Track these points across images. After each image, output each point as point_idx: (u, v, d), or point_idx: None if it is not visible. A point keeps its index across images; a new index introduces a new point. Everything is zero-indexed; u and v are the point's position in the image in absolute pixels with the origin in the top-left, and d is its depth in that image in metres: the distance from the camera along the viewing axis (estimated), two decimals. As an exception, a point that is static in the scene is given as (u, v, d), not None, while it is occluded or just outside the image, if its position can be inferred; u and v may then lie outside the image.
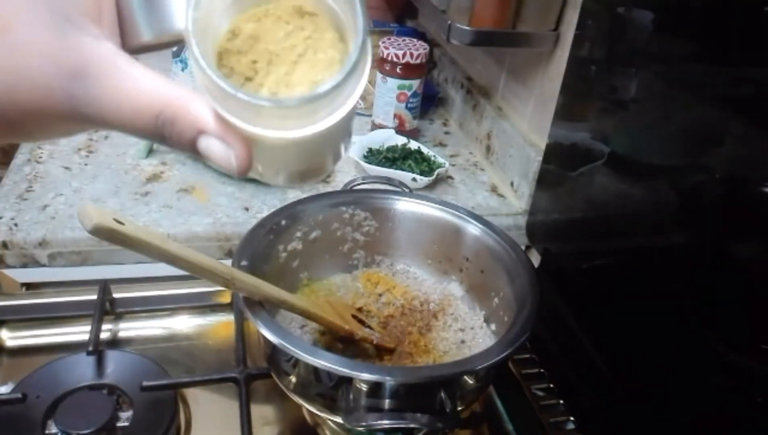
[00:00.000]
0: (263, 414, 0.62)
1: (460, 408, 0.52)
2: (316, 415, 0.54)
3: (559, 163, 0.75)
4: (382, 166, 0.90)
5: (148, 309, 0.72)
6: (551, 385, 0.67)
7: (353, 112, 0.30)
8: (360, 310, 0.63)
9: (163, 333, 0.71)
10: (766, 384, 0.45)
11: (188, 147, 0.28)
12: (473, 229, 0.65)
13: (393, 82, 0.97)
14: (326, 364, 0.46)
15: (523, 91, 0.90)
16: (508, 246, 0.62)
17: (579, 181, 0.70)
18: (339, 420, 0.50)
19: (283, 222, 0.62)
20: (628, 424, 0.58)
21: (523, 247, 0.65)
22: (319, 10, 0.29)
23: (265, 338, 0.49)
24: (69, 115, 0.26)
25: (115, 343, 0.69)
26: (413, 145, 0.95)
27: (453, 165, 0.98)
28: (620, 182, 0.64)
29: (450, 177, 0.95)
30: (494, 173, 0.97)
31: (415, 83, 0.98)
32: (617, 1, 0.63)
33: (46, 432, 0.55)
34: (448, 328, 0.63)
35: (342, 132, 0.32)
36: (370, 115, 1.05)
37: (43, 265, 0.74)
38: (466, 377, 0.51)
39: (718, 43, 0.50)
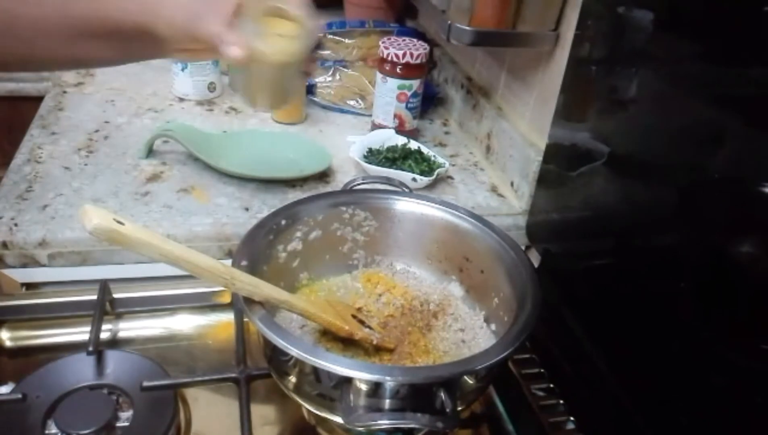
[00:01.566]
0: (263, 414, 0.62)
1: (460, 408, 0.52)
2: (316, 415, 0.54)
3: (559, 163, 0.75)
4: (382, 166, 0.90)
5: (148, 309, 0.72)
6: (551, 385, 0.67)
7: (298, 64, 0.60)
8: (360, 310, 0.63)
9: (163, 333, 0.71)
10: (766, 384, 0.45)
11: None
12: (473, 229, 0.65)
13: (393, 82, 0.97)
14: (326, 364, 0.46)
15: (523, 91, 0.90)
16: (508, 246, 0.62)
17: (579, 181, 0.70)
18: (339, 420, 0.50)
19: (283, 222, 0.62)
20: (628, 424, 0.58)
21: (523, 247, 0.65)
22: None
23: (265, 338, 0.49)
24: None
25: (115, 343, 0.69)
26: (413, 145, 0.95)
27: (453, 165, 0.98)
28: (620, 182, 0.64)
29: (450, 177, 0.95)
30: (494, 173, 0.97)
31: (415, 83, 0.98)
32: (617, 1, 0.63)
33: (46, 432, 0.55)
34: (448, 328, 0.63)
35: (293, 77, 0.63)
36: (370, 115, 1.05)
37: (43, 265, 0.74)
38: (466, 377, 0.51)
39: (718, 43, 0.50)
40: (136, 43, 0.59)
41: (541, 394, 0.66)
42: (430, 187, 0.90)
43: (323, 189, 0.88)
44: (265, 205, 0.83)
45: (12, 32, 0.57)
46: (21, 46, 0.58)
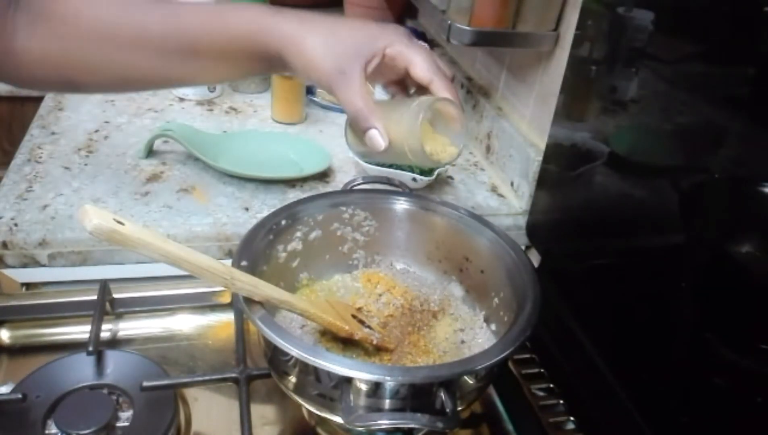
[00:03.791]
0: (263, 414, 0.62)
1: (460, 408, 0.52)
2: (316, 415, 0.54)
3: (559, 163, 0.75)
4: (382, 166, 0.90)
5: (148, 309, 0.72)
6: (551, 385, 0.67)
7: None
8: (360, 310, 0.63)
9: (163, 333, 0.71)
10: (766, 384, 0.45)
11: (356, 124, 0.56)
12: (473, 229, 0.65)
13: (393, 82, 0.97)
14: (326, 364, 0.46)
15: (524, 90, 0.90)
16: (508, 246, 0.62)
17: (579, 181, 0.70)
18: (339, 420, 0.50)
19: (283, 222, 0.62)
20: (628, 423, 0.58)
21: (523, 247, 0.65)
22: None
23: (265, 338, 0.49)
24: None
25: (115, 343, 0.69)
26: (413, 145, 0.95)
27: (453, 165, 0.98)
28: (620, 182, 0.64)
29: (450, 177, 0.95)
30: (494, 173, 0.97)
31: (415, 83, 0.97)
32: (617, 1, 0.63)
33: (46, 432, 0.55)
34: (448, 328, 0.63)
35: None
36: (370, 115, 1.05)
37: (43, 265, 0.74)
38: (466, 377, 0.51)
39: (718, 43, 0.50)
40: (264, 64, 0.57)
41: (541, 394, 0.66)
42: (430, 187, 0.90)
43: (323, 189, 0.88)
44: (265, 205, 0.83)
45: (139, 45, 0.56)
46: (146, 59, 0.57)
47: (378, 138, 0.53)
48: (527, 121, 0.89)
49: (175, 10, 0.57)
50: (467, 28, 0.78)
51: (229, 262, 0.53)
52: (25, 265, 0.74)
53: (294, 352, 0.47)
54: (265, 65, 0.58)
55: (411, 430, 0.54)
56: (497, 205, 0.90)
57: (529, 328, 0.52)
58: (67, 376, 0.60)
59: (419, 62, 0.55)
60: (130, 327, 0.71)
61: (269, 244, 0.61)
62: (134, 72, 0.59)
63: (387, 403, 0.48)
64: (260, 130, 1.03)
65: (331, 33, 0.54)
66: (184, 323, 0.72)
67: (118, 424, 0.57)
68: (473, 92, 1.05)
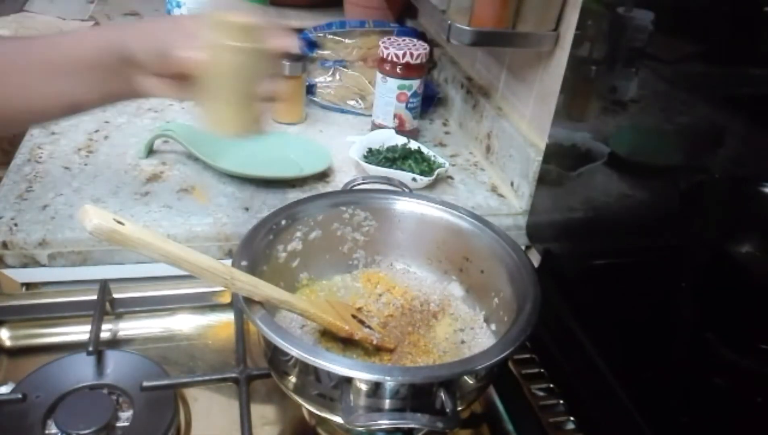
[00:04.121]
0: (263, 414, 0.62)
1: (460, 408, 0.52)
2: (316, 415, 0.54)
3: (559, 163, 0.75)
4: (382, 166, 0.90)
5: (148, 309, 0.72)
6: (551, 385, 0.67)
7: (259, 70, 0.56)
8: (360, 310, 0.63)
9: (163, 333, 0.71)
10: (766, 384, 0.45)
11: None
12: (473, 229, 0.65)
13: (393, 82, 0.97)
14: (326, 364, 0.46)
15: (523, 90, 0.90)
16: (508, 246, 0.62)
17: (579, 181, 0.70)
18: (339, 420, 0.50)
19: (283, 222, 0.62)
20: (628, 423, 0.58)
21: (523, 247, 0.65)
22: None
23: (265, 338, 0.49)
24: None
25: (115, 343, 0.69)
26: (413, 145, 0.95)
27: (453, 165, 0.98)
28: (620, 182, 0.64)
29: (450, 177, 0.95)
30: (494, 173, 0.97)
31: (415, 83, 0.98)
32: (617, 1, 0.63)
33: (46, 432, 0.55)
34: (448, 328, 0.63)
35: (255, 85, 0.57)
36: (370, 115, 1.05)
37: (43, 265, 0.74)
38: (466, 377, 0.51)
39: (718, 43, 0.50)
40: (110, 73, 0.58)
41: (541, 394, 0.66)
42: (430, 187, 0.90)
43: (323, 189, 0.88)
44: (265, 205, 0.83)
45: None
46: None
47: (193, 50, 0.54)
48: (527, 121, 0.89)
49: (27, 41, 0.63)
50: (467, 28, 0.78)
51: (229, 262, 0.53)
52: (25, 265, 0.74)
53: (294, 352, 0.47)
54: (123, 77, 0.59)
55: (411, 430, 0.54)
56: (497, 205, 0.89)
57: (529, 328, 0.52)
58: (67, 376, 0.60)
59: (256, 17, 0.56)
60: (130, 327, 0.71)
61: (269, 244, 0.61)
62: (18, 102, 0.60)
63: (387, 403, 0.48)
64: (260, 130, 1.03)
65: (168, 17, 0.60)
66: (184, 323, 0.72)
67: (118, 424, 0.57)
68: (473, 92, 1.05)
